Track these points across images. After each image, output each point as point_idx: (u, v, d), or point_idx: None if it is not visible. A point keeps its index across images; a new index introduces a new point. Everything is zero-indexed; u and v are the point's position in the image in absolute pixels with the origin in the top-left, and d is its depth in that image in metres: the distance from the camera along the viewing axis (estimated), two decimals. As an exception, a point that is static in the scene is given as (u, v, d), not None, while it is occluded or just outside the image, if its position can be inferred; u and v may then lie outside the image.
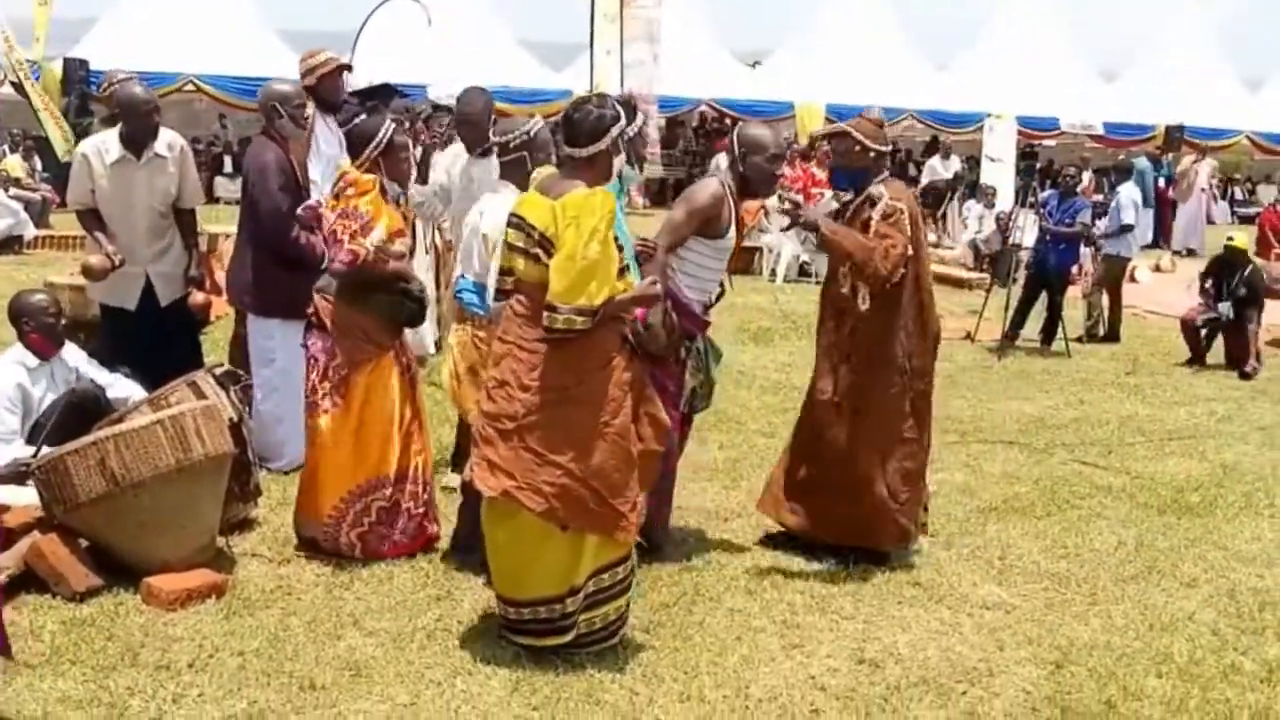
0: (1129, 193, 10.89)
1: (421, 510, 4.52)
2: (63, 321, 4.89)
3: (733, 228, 4.48)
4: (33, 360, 4.76)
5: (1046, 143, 21.93)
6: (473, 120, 5.51)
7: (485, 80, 22.64)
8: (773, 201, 14.34)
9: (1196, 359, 9.39)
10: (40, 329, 4.77)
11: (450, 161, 5.99)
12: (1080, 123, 22.09)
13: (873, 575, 4.51)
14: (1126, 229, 10.55)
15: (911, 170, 22.44)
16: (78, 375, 4.86)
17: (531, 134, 4.52)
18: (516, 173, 4.46)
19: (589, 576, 3.69)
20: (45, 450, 4.24)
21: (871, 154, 4.59)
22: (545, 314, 3.50)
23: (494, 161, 4.81)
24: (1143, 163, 17.39)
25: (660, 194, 20.13)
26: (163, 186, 5.42)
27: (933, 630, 4.09)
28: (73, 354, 4.92)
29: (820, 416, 4.68)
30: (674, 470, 4.67)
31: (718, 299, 4.73)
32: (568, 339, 3.53)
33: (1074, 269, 10.50)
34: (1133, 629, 4.19)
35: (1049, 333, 9.88)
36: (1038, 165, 10.76)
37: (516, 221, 3.68)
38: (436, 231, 7.48)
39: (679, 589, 4.31)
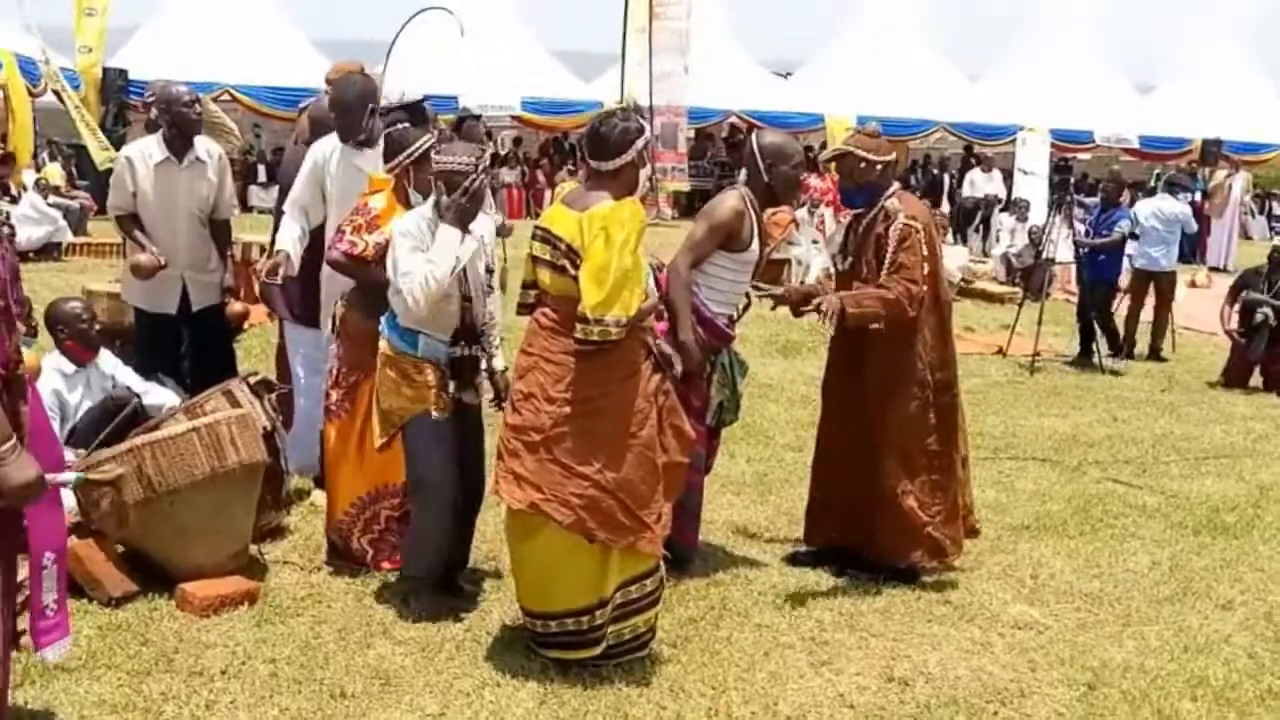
0: (1145, 206, 10.65)
1: None
2: (97, 328, 4.96)
3: (756, 240, 4.46)
4: (69, 367, 4.84)
5: (1081, 156, 21.76)
6: (345, 106, 4.97)
7: (517, 90, 22.77)
8: (802, 214, 14.21)
9: (1239, 383, 9.19)
10: (75, 336, 4.84)
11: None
12: (1115, 136, 21.92)
13: (903, 593, 4.48)
14: (1125, 240, 10.14)
15: (947, 183, 22.36)
16: (114, 382, 4.92)
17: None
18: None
19: (617, 588, 3.69)
20: (93, 454, 4.26)
21: (877, 167, 4.59)
22: (580, 326, 3.51)
23: (376, 153, 4.64)
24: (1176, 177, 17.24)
25: (689, 206, 20.17)
26: (202, 192, 5.48)
27: (963, 649, 4.05)
28: (108, 360, 4.99)
29: (837, 432, 4.70)
30: (702, 487, 4.66)
31: (744, 311, 4.72)
32: (594, 350, 3.54)
33: (1119, 281, 10.36)
34: (1167, 651, 4.14)
35: (1085, 347, 9.80)
36: (1072, 179, 10.58)
37: (542, 234, 3.69)
38: None
39: (706, 604, 4.31)
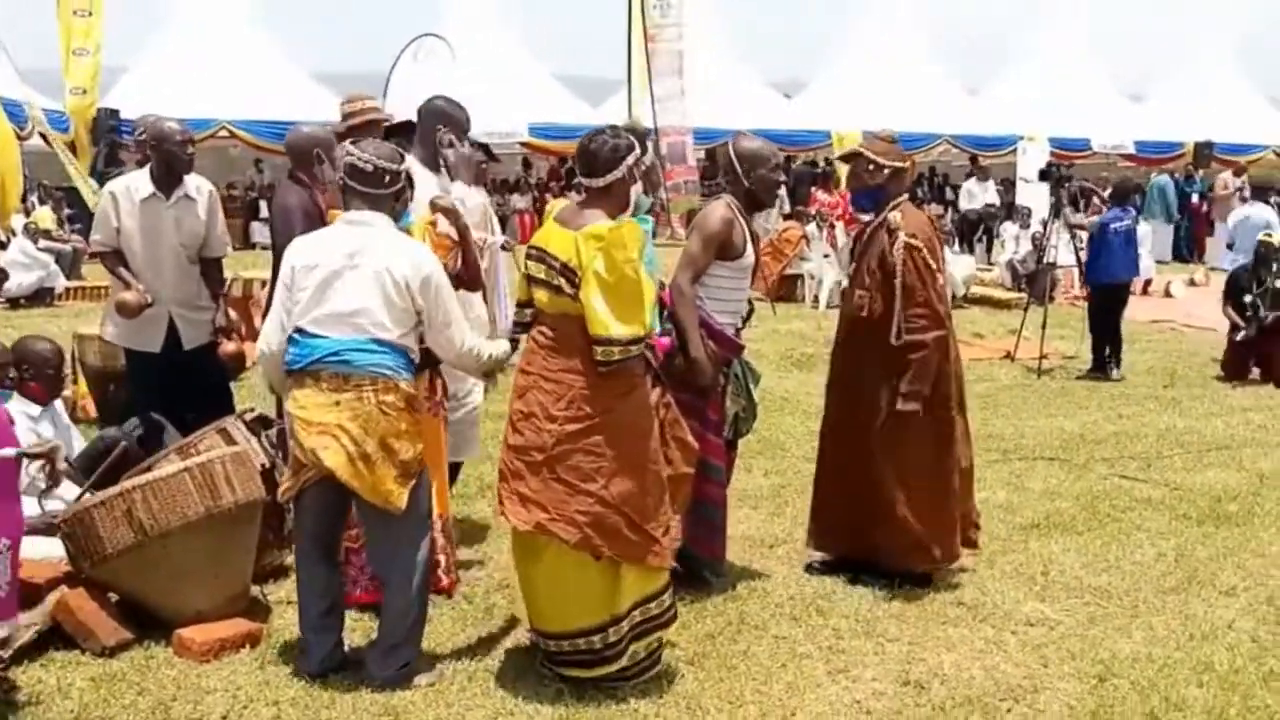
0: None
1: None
2: (64, 374, 4.97)
3: (749, 245, 4.47)
4: (34, 408, 4.85)
5: (1079, 162, 22.03)
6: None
7: (523, 116, 22.77)
8: (812, 229, 14.34)
9: (1238, 375, 9.32)
10: (42, 379, 4.87)
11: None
12: (1111, 143, 22.26)
13: (917, 596, 4.55)
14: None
15: (949, 194, 22.64)
16: (68, 424, 4.97)
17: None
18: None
19: (634, 606, 3.68)
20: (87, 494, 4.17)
21: (886, 171, 4.65)
22: (599, 349, 3.52)
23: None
24: (1163, 180, 17.45)
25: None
26: (191, 228, 5.36)
27: (977, 649, 4.13)
28: (59, 404, 5.01)
29: (839, 443, 4.77)
30: (724, 500, 4.64)
31: (747, 318, 4.71)
32: (593, 367, 3.56)
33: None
34: (1174, 639, 4.25)
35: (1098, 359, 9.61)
36: (1064, 185, 10.64)
37: (537, 254, 3.67)
38: None
39: (724, 619, 4.34)
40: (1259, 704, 3.77)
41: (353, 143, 3.85)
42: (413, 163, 4.76)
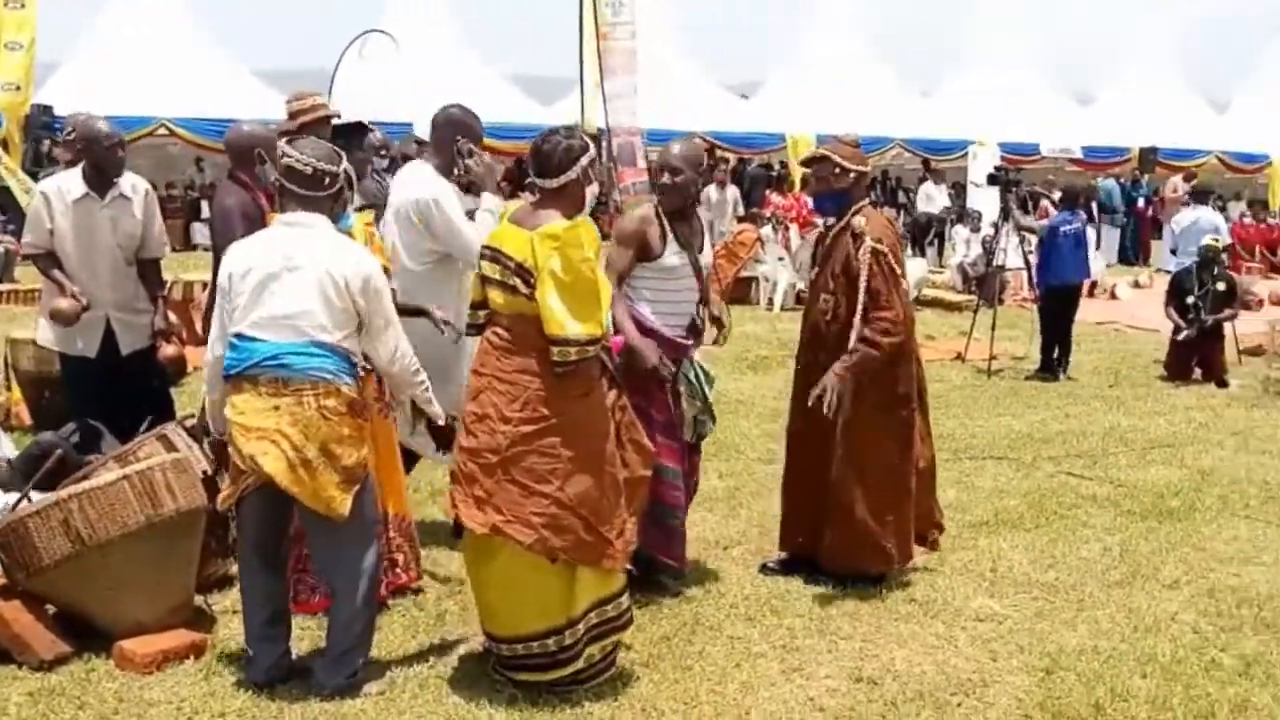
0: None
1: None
2: None
3: (671, 245, 4.43)
4: None
5: (1028, 167, 22.43)
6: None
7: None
8: (767, 231, 14.45)
9: (1180, 375, 9.54)
10: None
11: None
12: (1059, 147, 22.69)
13: (870, 595, 4.60)
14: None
15: (901, 197, 22.95)
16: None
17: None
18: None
19: (590, 608, 3.68)
20: (27, 501, 4.04)
21: (851, 175, 4.68)
22: (556, 349, 3.51)
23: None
24: (1109, 184, 17.81)
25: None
26: (127, 229, 5.23)
27: (928, 645, 4.19)
28: None
29: (804, 444, 4.80)
30: (684, 504, 4.62)
31: (701, 327, 4.61)
32: (550, 368, 3.55)
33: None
34: (1118, 632, 4.35)
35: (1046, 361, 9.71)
36: (1012, 188, 10.76)
37: (491, 254, 3.66)
38: None
39: (679, 620, 4.35)
40: (1201, 693, 3.87)
41: (289, 143, 3.78)
42: (430, 171, 4.80)
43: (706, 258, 4.65)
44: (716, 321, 4.77)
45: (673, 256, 4.46)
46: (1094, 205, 16.87)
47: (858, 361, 4.51)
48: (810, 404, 4.51)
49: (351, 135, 4.97)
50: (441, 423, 3.95)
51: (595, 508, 3.62)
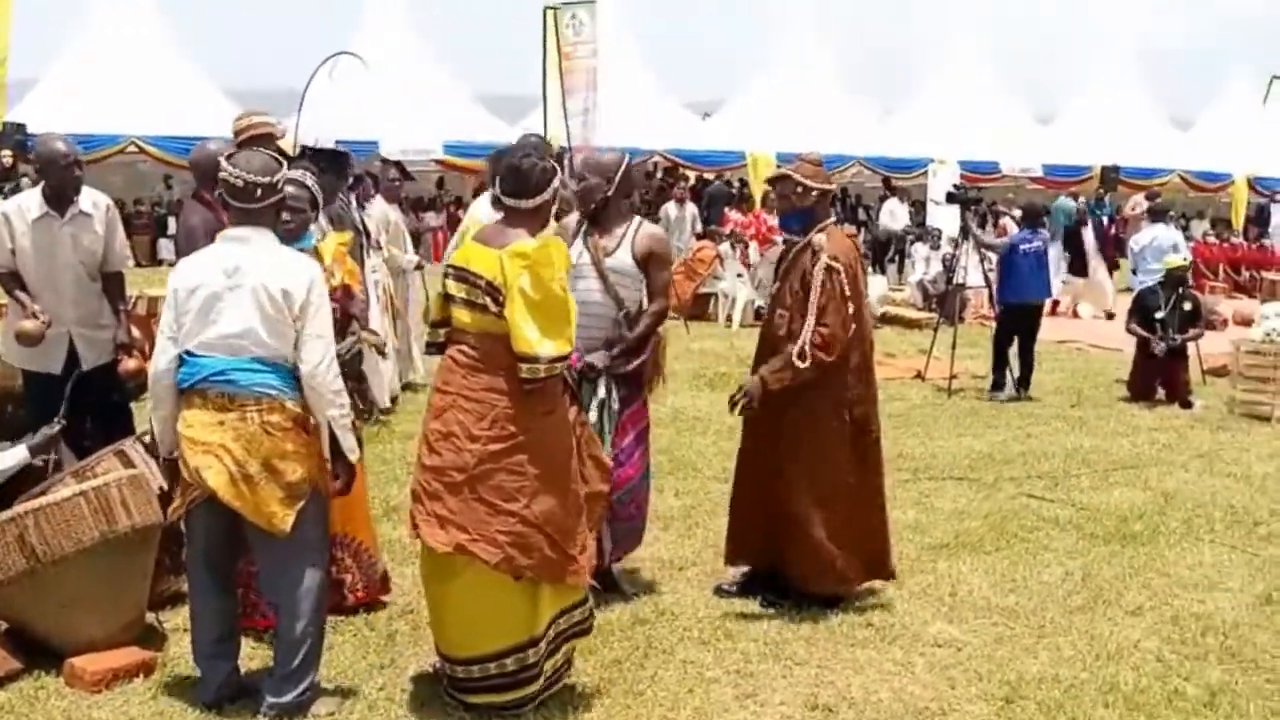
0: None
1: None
2: None
3: (574, 247, 4.42)
4: None
5: (988, 185, 22.56)
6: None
7: (440, 135, 22.84)
8: (725, 248, 14.35)
9: (1143, 396, 9.50)
10: None
11: None
12: (1020, 166, 22.84)
13: (826, 618, 4.54)
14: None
15: (861, 215, 22.99)
16: None
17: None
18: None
19: (551, 622, 3.69)
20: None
21: (814, 193, 4.69)
22: (525, 366, 3.52)
23: None
24: (1066, 203, 17.89)
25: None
26: (88, 245, 5.27)
27: (885, 671, 4.12)
28: None
29: (756, 462, 4.76)
30: (643, 519, 4.74)
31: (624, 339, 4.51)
32: (516, 386, 3.56)
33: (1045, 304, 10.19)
34: (1080, 660, 4.27)
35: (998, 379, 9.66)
36: (972, 206, 10.68)
37: (457, 273, 3.68)
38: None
39: (631, 643, 4.28)
40: (1164, 724, 3.78)
41: (227, 157, 3.76)
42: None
43: (621, 262, 4.56)
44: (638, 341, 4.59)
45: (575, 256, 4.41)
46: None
47: (779, 370, 4.52)
48: (729, 404, 4.60)
49: (334, 160, 5.12)
50: (354, 458, 3.79)
51: (560, 525, 3.62)
